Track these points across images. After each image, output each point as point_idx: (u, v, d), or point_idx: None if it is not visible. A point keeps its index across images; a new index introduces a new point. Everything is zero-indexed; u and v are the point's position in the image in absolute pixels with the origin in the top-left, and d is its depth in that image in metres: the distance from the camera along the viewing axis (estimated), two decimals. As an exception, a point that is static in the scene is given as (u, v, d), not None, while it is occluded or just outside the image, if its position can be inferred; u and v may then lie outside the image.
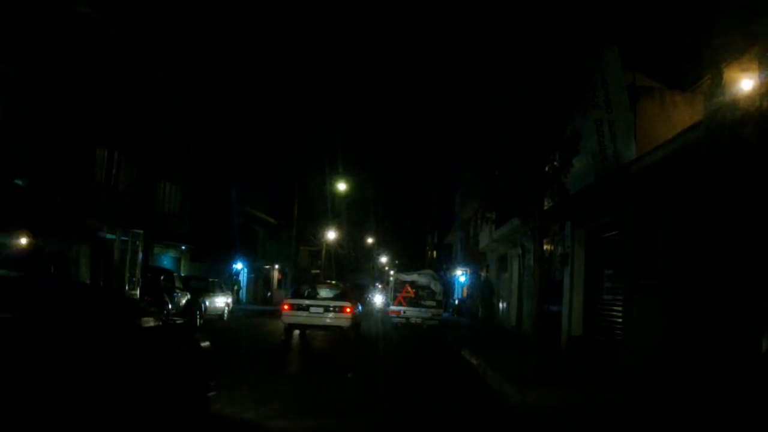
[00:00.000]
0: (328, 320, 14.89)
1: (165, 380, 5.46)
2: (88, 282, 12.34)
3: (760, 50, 6.97)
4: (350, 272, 49.63)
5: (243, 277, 34.23)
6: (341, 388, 8.77)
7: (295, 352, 13.78)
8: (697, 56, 9.14)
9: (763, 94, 6.62)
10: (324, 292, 16.60)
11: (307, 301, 15.29)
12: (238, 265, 32.31)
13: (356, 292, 21.76)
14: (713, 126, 7.18)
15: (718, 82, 7.47)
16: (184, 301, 17.27)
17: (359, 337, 16.55)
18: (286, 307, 15.17)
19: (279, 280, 40.36)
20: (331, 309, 14.99)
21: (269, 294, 38.20)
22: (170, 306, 16.23)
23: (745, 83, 7.47)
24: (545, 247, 14.79)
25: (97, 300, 5.38)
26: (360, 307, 19.17)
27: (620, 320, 11.02)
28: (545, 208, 13.10)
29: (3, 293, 4.50)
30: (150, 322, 5.53)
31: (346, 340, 15.20)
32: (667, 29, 10.67)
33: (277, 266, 39.61)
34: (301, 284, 20.13)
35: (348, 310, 15.12)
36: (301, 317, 14.97)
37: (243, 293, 33.89)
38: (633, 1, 10.71)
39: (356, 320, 16.25)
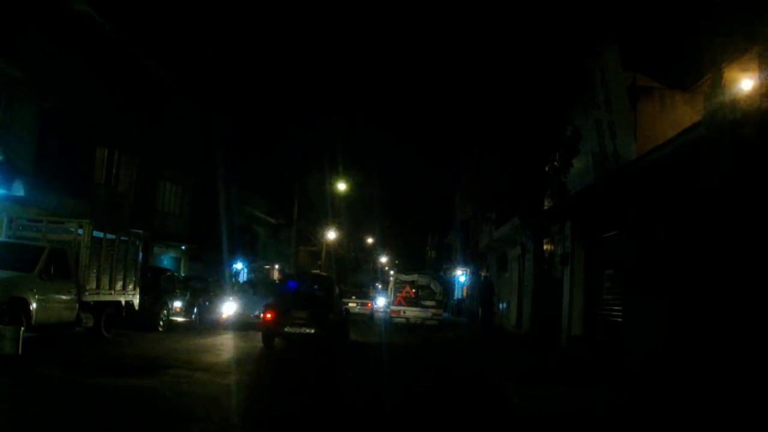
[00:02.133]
0: (357, 310, 25.09)
1: (343, 320, 14.11)
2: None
3: (760, 50, 6.98)
4: (350, 272, 49.58)
5: (243, 277, 34.17)
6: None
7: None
8: (697, 56, 9.14)
9: (763, 94, 6.63)
10: (356, 294, 26.70)
11: (347, 300, 24.13)
12: (238, 265, 32.28)
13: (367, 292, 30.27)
14: (713, 126, 7.18)
15: (718, 82, 7.47)
16: (184, 301, 17.28)
17: (375, 320, 26.15)
18: None
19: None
20: (360, 304, 25.96)
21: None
22: (170, 306, 16.28)
23: (745, 83, 7.47)
24: (545, 247, 14.80)
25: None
26: (375, 303, 29.26)
27: (620, 320, 11.02)
28: (545, 208, 13.12)
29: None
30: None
31: (368, 321, 25.08)
32: (667, 29, 10.67)
33: (277, 266, 39.55)
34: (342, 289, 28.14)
35: (369, 305, 26.77)
36: None
37: (243, 293, 33.77)
38: (633, 1, 10.72)
39: (372, 311, 27.08)
